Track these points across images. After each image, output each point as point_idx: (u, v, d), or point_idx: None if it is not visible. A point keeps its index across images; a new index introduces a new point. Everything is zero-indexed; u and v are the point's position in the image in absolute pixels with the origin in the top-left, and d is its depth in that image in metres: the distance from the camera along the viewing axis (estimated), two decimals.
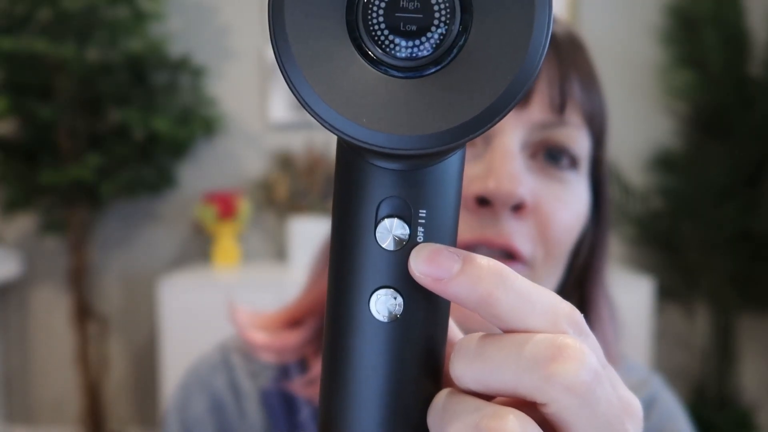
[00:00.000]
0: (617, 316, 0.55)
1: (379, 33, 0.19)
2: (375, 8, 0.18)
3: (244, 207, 2.41)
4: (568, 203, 0.45)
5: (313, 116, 0.19)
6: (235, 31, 2.55)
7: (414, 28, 0.18)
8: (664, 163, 2.45)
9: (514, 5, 0.18)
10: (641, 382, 0.57)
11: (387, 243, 0.20)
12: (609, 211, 0.52)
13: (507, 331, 0.21)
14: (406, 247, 0.20)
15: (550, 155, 0.45)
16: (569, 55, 0.46)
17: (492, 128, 0.41)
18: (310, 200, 2.45)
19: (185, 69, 2.40)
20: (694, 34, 2.32)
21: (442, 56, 0.19)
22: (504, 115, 0.18)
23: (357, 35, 0.19)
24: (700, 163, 2.32)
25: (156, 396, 2.54)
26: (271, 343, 0.55)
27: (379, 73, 0.19)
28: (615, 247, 2.43)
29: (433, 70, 0.18)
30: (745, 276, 2.34)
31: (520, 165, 0.42)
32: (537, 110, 0.44)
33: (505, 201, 0.41)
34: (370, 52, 0.19)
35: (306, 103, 0.19)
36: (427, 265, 0.19)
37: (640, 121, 2.45)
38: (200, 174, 2.58)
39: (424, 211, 0.20)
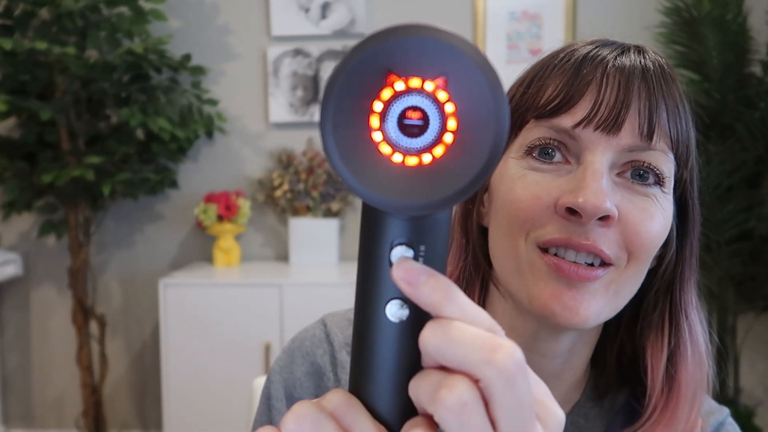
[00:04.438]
0: (705, 322, 0.59)
1: (394, 139, 0.27)
2: (390, 122, 0.27)
3: (245, 207, 2.41)
4: (653, 214, 0.51)
5: (353, 191, 0.27)
6: (235, 31, 2.55)
7: (416, 131, 0.27)
8: None
9: (485, 125, 0.26)
10: (712, 410, 0.62)
11: None
12: (696, 226, 0.57)
13: None
14: None
15: (637, 174, 0.51)
16: (658, 85, 0.51)
17: (581, 149, 0.50)
18: (310, 200, 2.45)
19: (185, 69, 2.40)
20: (694, 34, 2.32)
21: (434, 152, 0.27)
22: (474, 190, 0.26)
23: (379, 141, 0.27)
24: (701, 164, 2.32)
25: (156, 396, 2.54)
26: None
27: (395, 164, 0.27)
28: None
29: (429, 162, 0.27)
30: (745, 276, 2.34)
31: (607, 182, 0.49)
32: (626, 136, 0.50)
33: (591, 214, 0.48)
34: (388, 153, 0.27)
35: (349, 184, 0.27)
36: (404, 273, 0.28)
37: None
38: (200, 174, 2.58)
39: (424, 247, 0.29)
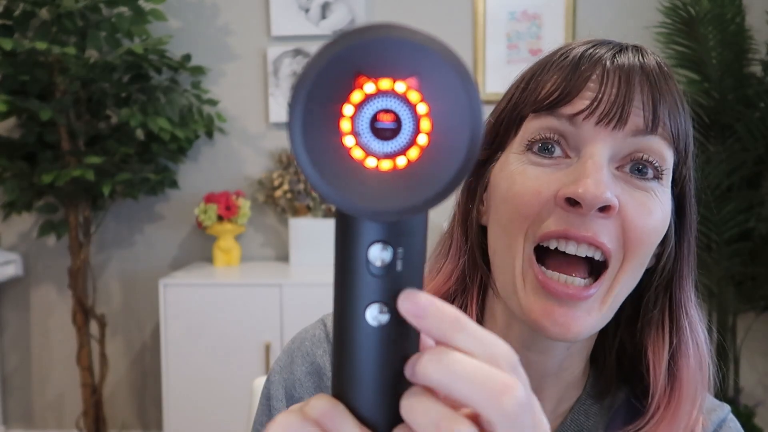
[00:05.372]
0: (704, 319, 0.59)
1: (366, 143, 0.26)
2: (362, 126, 0.26)
3: (245, 207, 2.41)
4: (651, 209, 0.51)
5: (326, 199, 0.26)
6: (235, 31, 2.55)
7: (389, 134, 0.26)
8: None
9: (460, 125, 0.25)
10: (713, 407, 0.61)
11: (376, 271, 0.28)
12: (693, 224, 0.56)
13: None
14: (389, 274, 0.28)
15: (636, 168, 0.51)
16: (659, 83, 0.51)
17: (581, 142, 0.50)
18: (310, 200, 2.45)
19: (185, 69, 2.40)
20: (693, 34, 2.32)
21: (409, 155, 0.26)
22: (452, 192, 0.26)
23: (351, 146, 0.26)
24: (700, 163, 2.32)
25: (156, 396, 2.54)
26: None
27: (368, 169, 0.26)
28: None
29: (404, 165, 0.26)
30: (745, 276, 2.34)
31: (607, 173, 0.49)
32: (629, 130, 0.50)
33: (591, 203, 0.47)
34: (361, 157, 0.26)
35: (320, 191, 0.26)
36: (411, 306, 0.28)
37: None
38: (200, 174, 2.58)
39: (401, 249, 0.28)
